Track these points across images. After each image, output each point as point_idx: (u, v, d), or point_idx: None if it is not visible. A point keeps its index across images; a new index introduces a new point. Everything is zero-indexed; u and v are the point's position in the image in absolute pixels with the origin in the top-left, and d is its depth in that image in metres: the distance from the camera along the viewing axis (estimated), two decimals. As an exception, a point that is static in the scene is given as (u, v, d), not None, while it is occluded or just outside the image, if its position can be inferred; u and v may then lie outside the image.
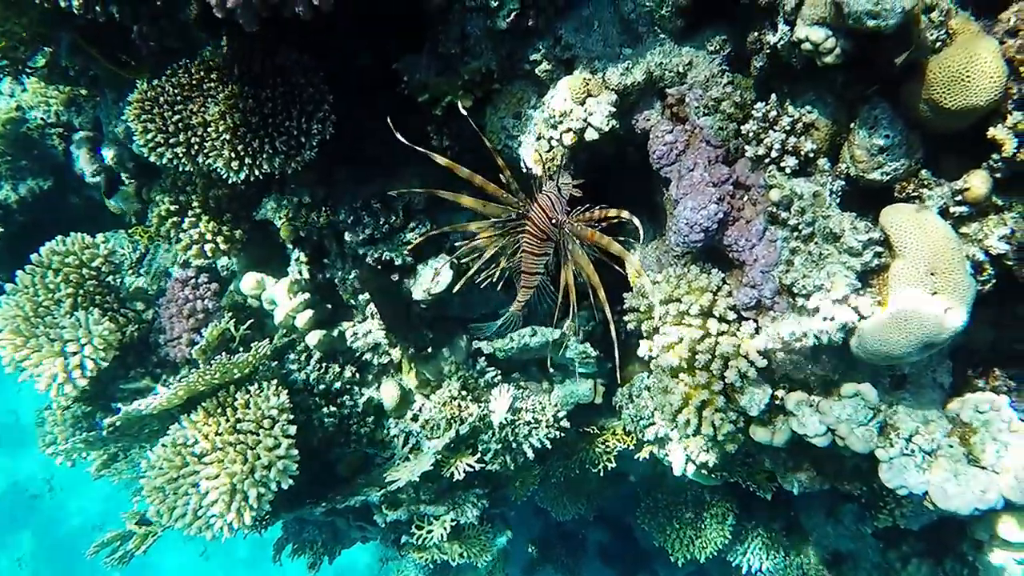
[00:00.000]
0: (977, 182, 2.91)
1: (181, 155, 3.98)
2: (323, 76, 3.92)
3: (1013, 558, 4.00)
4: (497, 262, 3.36)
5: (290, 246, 4.77)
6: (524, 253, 3.28)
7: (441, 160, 3.09)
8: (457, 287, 3.65)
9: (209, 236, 4.70)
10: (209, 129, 3.89)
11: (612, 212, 3.21)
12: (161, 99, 3.94)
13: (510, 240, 3.30)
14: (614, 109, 3.45)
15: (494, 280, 3.40)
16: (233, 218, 4.76)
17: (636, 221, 3.09)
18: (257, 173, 3.88)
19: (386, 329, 4.74)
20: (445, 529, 4.78)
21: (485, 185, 3.14)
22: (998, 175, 2.92)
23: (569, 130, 3.51)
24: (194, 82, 3.93)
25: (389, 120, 3.07)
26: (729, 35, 3.36)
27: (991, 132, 2.83)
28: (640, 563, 8.83)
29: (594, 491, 6.77)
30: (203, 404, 4.29)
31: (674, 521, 6.17)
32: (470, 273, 3.38)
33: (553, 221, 3.18)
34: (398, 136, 3.06)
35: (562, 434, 4.94)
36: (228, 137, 3.83)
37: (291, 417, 4.24)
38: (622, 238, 3.07)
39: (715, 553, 6.03)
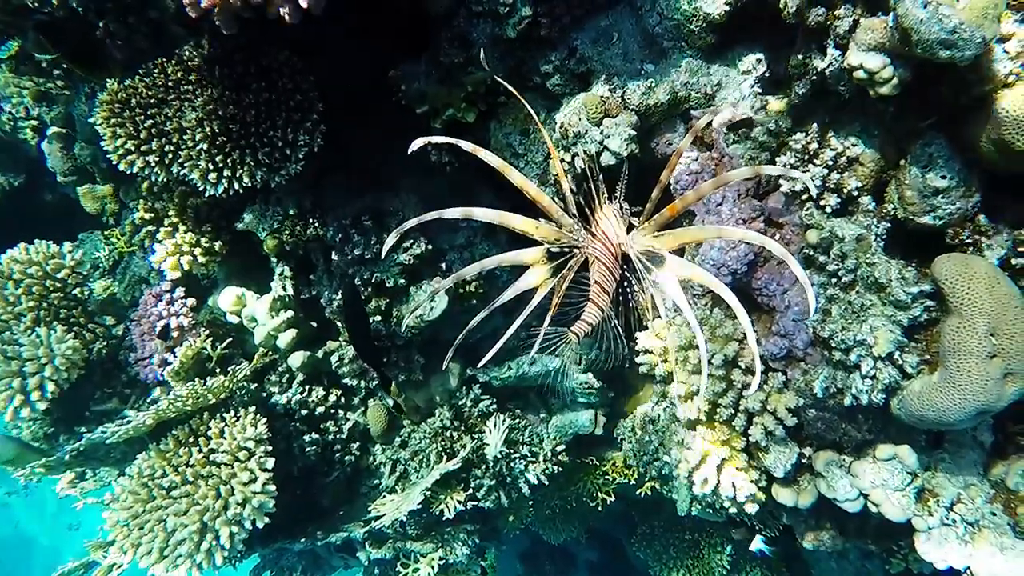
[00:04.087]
0: (1044, 232, 2.60)
1: (154, 164, 3.62)
2: (312, 80, 3.57)
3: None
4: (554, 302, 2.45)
5: (274, 260, 4.42)
6: (597, 267, 2.44)
7: (495, 161, 2.27)
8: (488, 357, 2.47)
9: (187, 247, 4.34)
10: (185, 136, 3.53)
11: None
12: (133, 101, 3.58)
13: (565, 273, 2.45)
14: (634, 132, 3.10)
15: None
16: (213, 228, 4.40)
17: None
18: (236, 186, 3.55)
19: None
20: (433, 568, 4.46)
21: (539, 198, 2.37)
22: (1069, 225, 2.61)
23: (584, 153, 3.17)
24: (170, 84, 3.59)
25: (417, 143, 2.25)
26: (764, 55, 3.02)
27: (1066, 178, 2.52)
28: (629, 576, 8.57)
29: (588, 514, 6.49)
30: (174, 431, 3.96)
31: (671, 549, 5.92)
32: (514, 327, 2.38)
33: (620, 242, 2.43)
34: (426, 140, 2.24)
35: (560, 468, 4.62)
36: (205, 146, 3.49)
37: (269, 449, 3.92)
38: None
39: (711, 582, 5.78)
